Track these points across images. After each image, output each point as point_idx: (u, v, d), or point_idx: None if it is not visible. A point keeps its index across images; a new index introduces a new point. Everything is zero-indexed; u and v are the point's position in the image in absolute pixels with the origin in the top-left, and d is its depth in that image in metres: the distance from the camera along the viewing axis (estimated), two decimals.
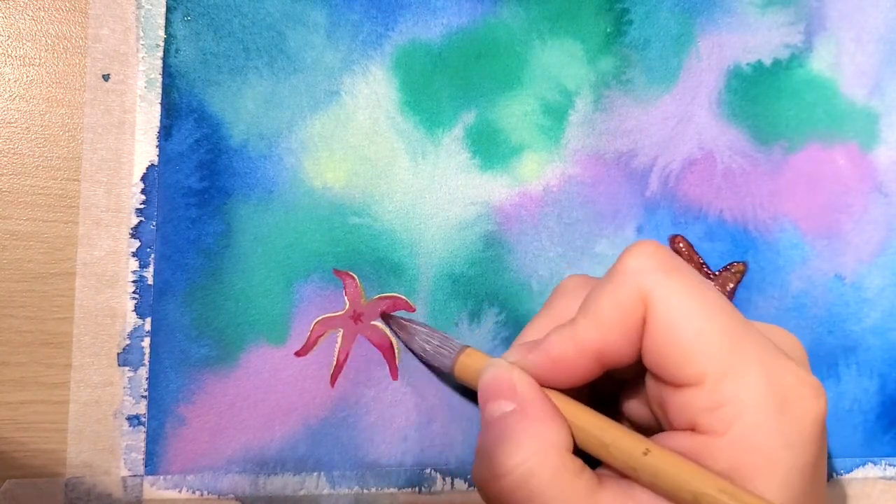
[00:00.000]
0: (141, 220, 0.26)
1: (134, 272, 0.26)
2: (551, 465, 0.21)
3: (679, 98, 0.31)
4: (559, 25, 0.30)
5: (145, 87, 0.27)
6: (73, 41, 0.26)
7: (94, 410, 0.26)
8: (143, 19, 0.27)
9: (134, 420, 0.26)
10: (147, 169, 0.27)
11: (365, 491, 0.28)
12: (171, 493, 0.26)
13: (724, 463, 0.20)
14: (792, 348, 0.23)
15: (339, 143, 0.28)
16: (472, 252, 0.29)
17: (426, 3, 0.29)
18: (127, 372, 0.26)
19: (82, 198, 0.26)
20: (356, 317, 0.28)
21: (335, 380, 0.28)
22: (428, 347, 0.27)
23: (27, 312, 0.26)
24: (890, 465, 0.32)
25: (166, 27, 0.27)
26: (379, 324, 0.28)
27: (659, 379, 0.22)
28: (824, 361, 0.32)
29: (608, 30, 0.30)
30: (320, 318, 0.28)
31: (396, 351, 0.28)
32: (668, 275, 0.22)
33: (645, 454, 0.21)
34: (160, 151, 0.27)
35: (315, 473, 0.27)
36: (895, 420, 0.32)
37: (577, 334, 0.22)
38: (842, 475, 0.31)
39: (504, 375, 0.23)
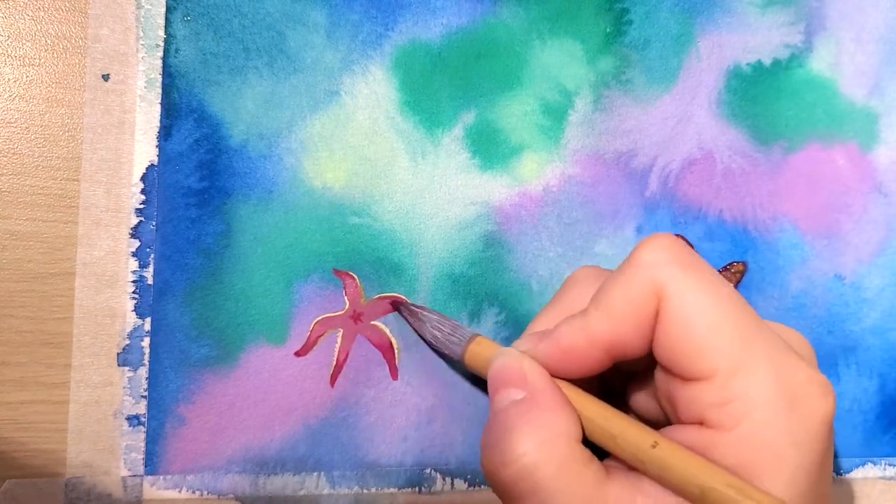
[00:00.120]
0: (141, 220, 0.26)
1: (134, 272, 0.26)
2: (560, 455, 0.21)
3: (679, 98, 0.31)
4: (559, 25, 0.30)
5: (145, 87, 0.27)
6: (73, 41, 0.26)
7: (94, 410, 0.26)
8: (142, 19, 0.27)
9: (134, 420, 0.26)
10: (147, 169, 0.27)
11: (365, 491, 0.28)
12: (171, 493, 0.26)
13: (732, 458, 0.20)
14: (800, 347, 0.23)
15: (339, 143, 0.28)
16: (472, 252, 0.29)
17: (426, 3, 0.29)
18: (127, 372, 0.26)
19: (82, 198, 0.26)
20: (356, 317, 0.28)
21: (335, 380, 0.28)
22: (439, 335, 0.27)
23: (27, 312, 0.26)
24: (890, 465, 0.32)
25: (166, 27, 0.27)
26: (379, 324, 0.28)
27: (669, 372, 0.22)
28: (824, 361, 0.32)
29: (608, 30, 0.30)
30: (320, 318, 0.28)
31: (396, 351, 0.28)
32: (683, 269, 0.22)
33: (653, 447, 0.21)
34: (160, 151, 0.27)
35: (315, 473, 0.27)
36: (895, 420, 0.32)
37: (589, 325, 0.22)
38: (842, 475, 0.31)
39: (514, 364, 0.23)
